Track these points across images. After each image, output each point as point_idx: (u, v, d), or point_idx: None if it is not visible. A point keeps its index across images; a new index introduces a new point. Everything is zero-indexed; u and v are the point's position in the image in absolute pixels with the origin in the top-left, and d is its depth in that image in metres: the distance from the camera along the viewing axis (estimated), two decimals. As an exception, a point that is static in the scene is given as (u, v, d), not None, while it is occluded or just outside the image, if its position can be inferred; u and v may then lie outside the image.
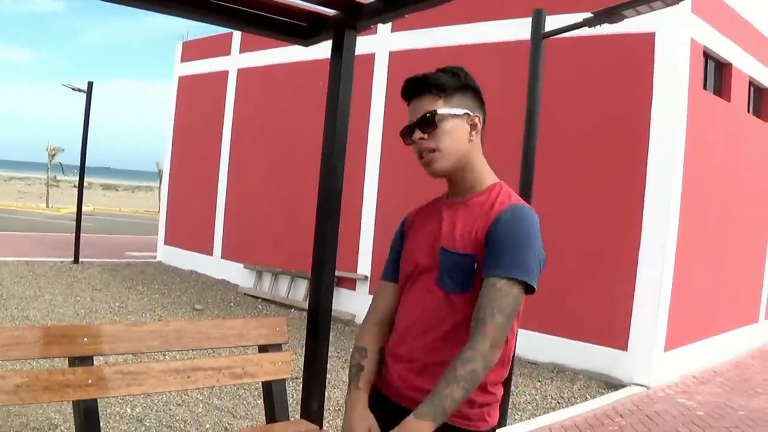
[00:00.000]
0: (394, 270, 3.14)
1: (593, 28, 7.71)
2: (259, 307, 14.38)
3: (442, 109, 2.95)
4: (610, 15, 7.22)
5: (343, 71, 4.88)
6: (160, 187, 49.68)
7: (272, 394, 4.81)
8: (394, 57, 13.53)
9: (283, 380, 4.86)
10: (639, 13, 7.16)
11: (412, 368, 2.93)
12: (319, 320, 4.91)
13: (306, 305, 13.90)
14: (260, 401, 7.76)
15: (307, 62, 14.68)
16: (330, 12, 4.95)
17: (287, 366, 4.86)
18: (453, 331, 2.86)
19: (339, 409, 7.84)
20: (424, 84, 2.99)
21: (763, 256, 14.18)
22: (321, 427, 4.80)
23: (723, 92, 11.82)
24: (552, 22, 7.98)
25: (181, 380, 4.32)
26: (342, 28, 4.85)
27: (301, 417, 4.88)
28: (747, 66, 12.41)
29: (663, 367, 10.23)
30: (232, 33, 17.45)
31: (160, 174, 47.33)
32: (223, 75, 17.81)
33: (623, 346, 10.24)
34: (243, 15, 4.92)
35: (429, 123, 2.94)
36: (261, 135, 16.44)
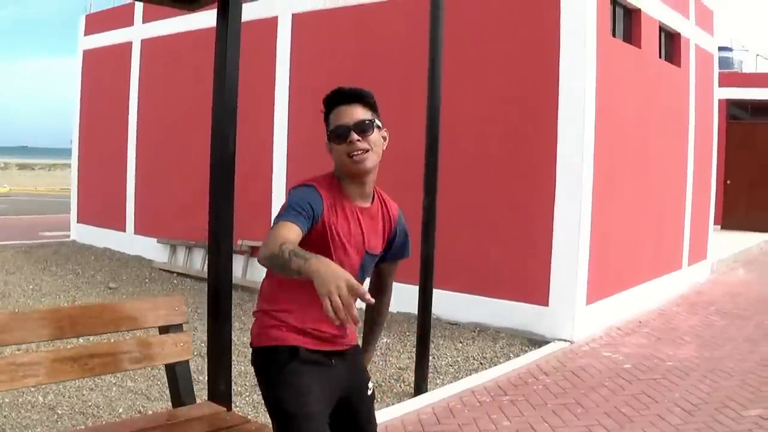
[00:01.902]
0: (305, 225, 3.29)
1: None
2: (175, 281, 14.13)
3: (376, 120, 3.52)
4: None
5: (230, 35, 4.75)
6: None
7: (176, 377, 4.59)
8: (298, 19, 13.26)
9: (186, 362, 4.63)
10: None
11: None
12: (219, 297, 4.75)
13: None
14: (175, 381, 7.57)
15: (210, 29, 14.32)
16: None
17: (189, 347, 4.63)
18: None
19: (252, 387, 7.59)
20: (359, 96, 3.52)
21: (682, 201, 14.22)
22: (229, 409, 4.63)
23: (633, 39, 11.73)
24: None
25: (79, 369, 4.08)
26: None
27: (208, 399, 4.70)
28: (657, 11, 12.34)
29: (586, 321, 10.15)
30: (134, 3, 17.04)
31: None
32: (127, 46, 17.35)
33: (544, 302, 10.13)
34: None
35: (367, 128, 3.46)
36: (167, 105, 16.06)
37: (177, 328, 4.62)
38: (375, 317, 4.03)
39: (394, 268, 3.99)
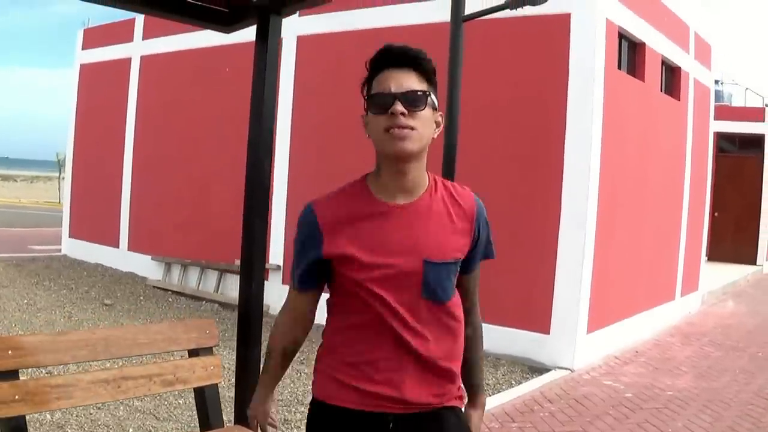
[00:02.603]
0: (314, 280, 2.90)
1: (512, 10, 7.65)
2: (170, 300, 14.07)
3: (431, 95, 2.78)
4: (533, -3, 7.15)
5: (269, 59, 4.67)
6: (60, 178, 48.66)
7: (205, 400, 4.58)
8: (303, 42, 13.29)
9: (216, 385, 4.63)
10: (562, -6, 7.10)
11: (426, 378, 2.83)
12: (250, 322, 4.71)
13: (218, 297, 13.73)
14: (182, 401, 7.57)
15: (211, 48, 14.38)
16: (253, -2, 4.73)
17: (219, 370, 4.64)
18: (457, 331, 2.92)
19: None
20: (416, 60, 2.77)
21: (677, 233, 14.33)
22: (256, 432, 4.62)
23: (637, 72, 11.86)
24: (469, 5, 7.88)
25: (112, 390, 4.08)
26: (266, 14, 4.63)
27: (235, 423, 4.69)
28: (659, 45, 12.48)
29: (586, 350, 10.21)
30: (135, 18, 17.06)
31: (60, 164, 46.31)
32: (126, 62, 17.34)
33: (546, 330, 10.19)
34: (162, 1, 4.68)
35: (418, 102, 2.71)
36: (165, 123, 16.05)
37: (207, 351, 4.63)
38: (467, 356, 3.00)
39: (475, 280, 3.03)
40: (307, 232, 2.82)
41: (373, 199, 2.79)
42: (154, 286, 15.12)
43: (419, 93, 2.70)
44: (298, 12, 13.33)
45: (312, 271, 2.84)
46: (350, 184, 2.88)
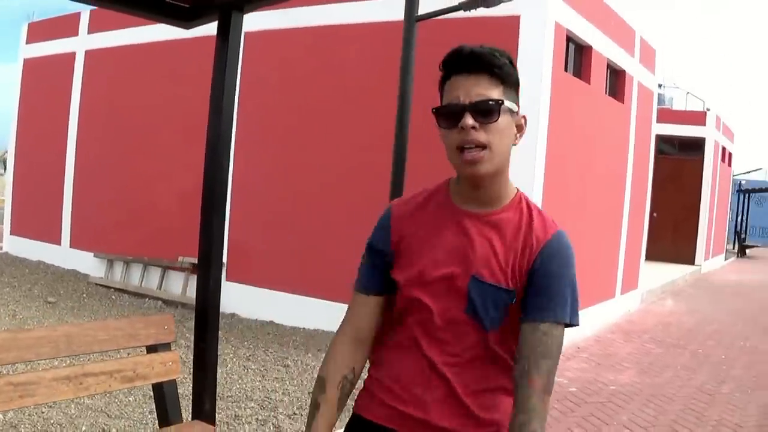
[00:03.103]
0: (379, 280, 2.67)
1: (465, 11, 7.72)
2: (113, 297, 13.93)
3: (507, 102, 2.48)
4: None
5: (230, 56, 4.67)
6: (1, 174, 48.02)
7: (164, 396, 4.59)
8: (251, 39, 13.27)
9: (174, 381, 4.64)
10: (516, -3, 7.18)
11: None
12: (207, 317, 4.72)
13: (161, 294, 13.68)
14: (132, 398, 7.55)
15: (157, 43, 14.32)
16: (214, -6, 4.72)
17: (177, 366, 4.64)
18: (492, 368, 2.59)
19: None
20: (488, 62, 2.46)
21: (618, 232, 14.54)
22: (214, 426, 4.64)
23: (583, 74, 12.03)
24: (423, 4, 7.93)
25: (74, 388, 4.06)
26: (228, 10, 4.63)
27: (192, 418, 4.70)
28: (606, 49, 12.66)
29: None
30: (80, 13, 16.88)
31: (2, 160, 45.70)
32: (71, 57, 17.13)
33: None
34: None
35: (490, 112, 2.44)
36: (109, 119, 15.90)
37: (165, 347, 4.63)
38: None
39: (527, 337, 2.47)
40: (379, 227, 2.72)
41: (447, 200, 2.64)
42: (96, 284, 14.96)
43: (491, 103, 2.44)
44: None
45: (378, 268, 2.67)
46: (435, 185, 2.73)
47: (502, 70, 2.46)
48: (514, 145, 2.58)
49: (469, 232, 2.55)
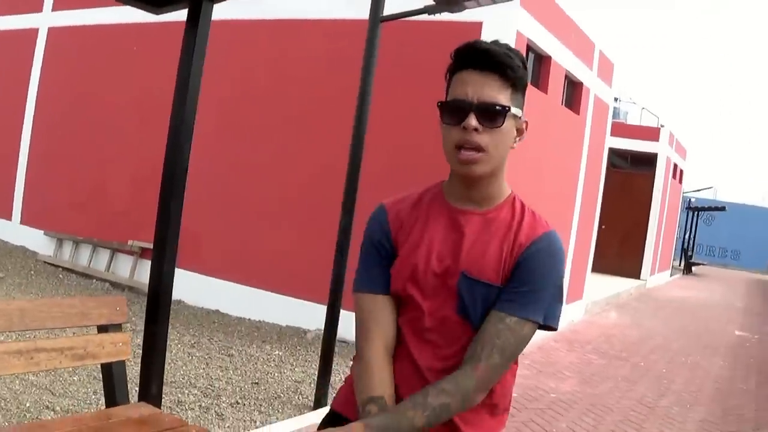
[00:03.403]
0: (385, 278, 2.61)
1: (429, 15, 7.80)
2: (60, 276, 13.89)
3: (514, 108, 2.48)
4: (452, 4, 7.29)
5: (198, 44, 4.74)
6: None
7: (113, 376, 4.63)
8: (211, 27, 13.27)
9: (123, 362, 4.68)
10: (480, 5, 7.29)
11: None
12: (159, 301, 4.79)
13: (108, 276, 13.65)
14: (76, 378, 7.57)
15: (122, 25, 14.28)
16: (186, -19, 4.77)
17: (127, 347, 4.69)
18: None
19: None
20: (501, 62, 2.43)
21: (567, 242, 14.71)
22: (160, 410, 4.69)
23: (541, 84, 12.17)
24: (388, 5, 8.00)
25: (25, 362, 4.10)
26: (199, -1, 4.70)
27: (139, 400, 4.75)
28: (564, 60, 12.81)
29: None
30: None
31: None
32: (33, 33, 17.00)
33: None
34: None
35: (496, 117, 2.43)
36: (68, 98, 15.80)
37: (116, 327, 4.67)
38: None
39: (490, 325, 2.45)
40: (375, 224, 2.67)
41: (440, 199, 2.63)
42: (45, 262, 14.89)
43: (498, 108, 2.42)
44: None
45: (386, 266, 2.61)
46: (426, 187, 2.72)
47: (515, 72, 2.44)
48: (512, 148, 2.56)
49: (462, 229, 2.54)
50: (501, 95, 2.43)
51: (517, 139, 2.56)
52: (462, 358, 2.46)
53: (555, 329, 2.57)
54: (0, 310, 4.09)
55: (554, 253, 2.55)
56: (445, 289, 2.50)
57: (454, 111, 2.46)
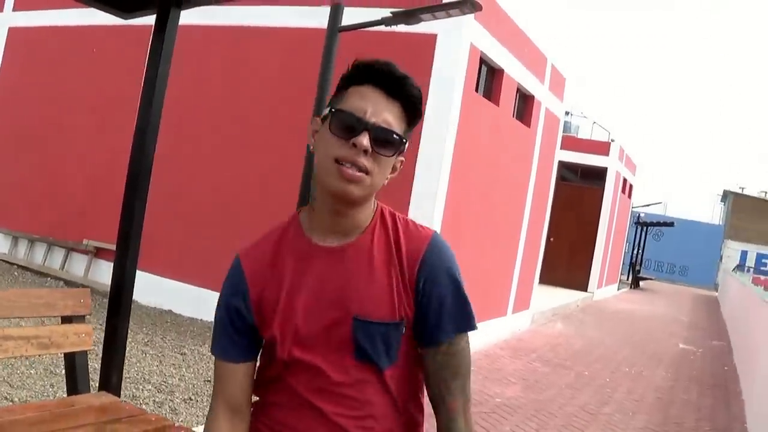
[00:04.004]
0: (246, 345, 2.34)
1: (386, 27, 8.01)
2: (15, 274, 13.96)
3: (406, 142, 2.28)
4: (409, 16, 7.52)
5: (164, 49, 4.91)
6: None
7: (75, 366, 4.83)
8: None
9: (86, 352, 4.88)
10: (435, 18, 7.51)
11: None
12: (122, 296, 4.96)
13: (63, 274, 13.73)
14: (33, 371, 7.71)
15: (82, 27, 14.38)
16: (155, -12, 4.95)
17: (90, 338, 4.88)
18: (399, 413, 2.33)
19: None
20: (409, 94, 2.25)
21: (515, 252, 14.99)
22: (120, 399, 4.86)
23: (493, 96, 12.44)
24: (346, 15, 8.21)
25: (-8, 349, 4.29)
26: (167, 5, 4.88)
27: (99, 389, 4.91)
28: (516, 73, 13.11)
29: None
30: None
31: None
32: (-8, 31, 17.08)
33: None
34: None
35: (389, 146, 2.21)
36: (27, 96, 15.85)
37: (80, 319, 4.87)
38: None
39: (444, 362, 2.29)
40: (231, 286, 2.37)
41: (301, 238, 2.33)
42: (0, 259, 14.97)
43: (395, 137, 2.21)
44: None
45: (242, 333, 2.33)
46: (282, 222, 2.41)
47: (417, 108, 2.26)
48: (384, 184, 2.29)
49: (338, 269, 2.27)
50: (399, 125, 2.22)
51: (391, 176, 2.31)
52: (377, 404, 2.27)
53: (476, 329, 2.34)
54: (-30, 300, 4.27)
55: (448, 258, 2.35)
56: (337, 341, 2.24)
57: (347, 124, 2.17)
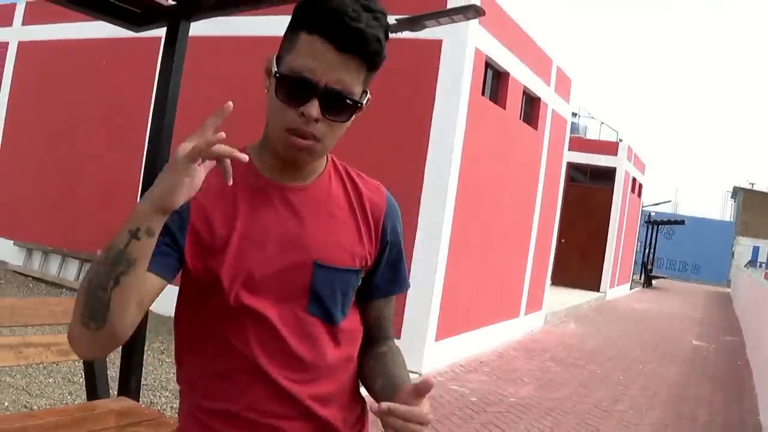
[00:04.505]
0: (160, 259, 1.94)
1: (391, 33, 8.09)
2: (30, 285, 14.06)
3: (363, 99, 2.00)
4: (413, 23, 7.58)
5: (175, 62, 4.99)
6: None
7: (94, 372, 4.92)
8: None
9: (104, 357, 4.98)
10: (440, 24, 7.60)
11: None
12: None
13: (78, 285, 13.79)
14: (51, 380, 7.84)
15: (91, 40, 14.50)
16: (165, 1, 5.03)
17: (108, 344, 4.97)
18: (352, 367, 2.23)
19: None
20: (367, 50, 1.91)
21: (526, 254, 15.06)
22: (139, 403, 4.96)
23: (499, 99, 12.52)
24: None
25: (15, 356, 4.37)
26: (177, 18, 4.97)
27: (118, 395, 5.01)
28: (522, 76, 13.19)
29: (433, 356, 10.78)
30: (15, 4, 16.97)
31: None
32: (3, 46, 17.18)
33: (397, 334, 10.65)
34: None
35: (342, 111, 1.96)
36: (37, 109, 16.00)
37: (98, 326, 4.95)
38: (394, 373, 2.19)
39: (390, 307, 2.30)
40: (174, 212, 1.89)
41: (258, 175, 2.08)
42: (15, 271, 15.08)
43: (348, 102, 1.94)
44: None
45: (168, 247, 1.98)
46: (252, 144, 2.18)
47: (379, 57, 1.96)
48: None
49: (298, 210, 2.07)
50: (355, 82, 1.94)
51: (349, 122, 2.05)
52: (331, 363, 2.11)
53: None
54: (-9, 308, 4.38)
55: (399, 214, 2.27)
56: (292, 289, 2.04)
57: (294, 90, 1.91)
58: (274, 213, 2.04)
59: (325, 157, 2.16)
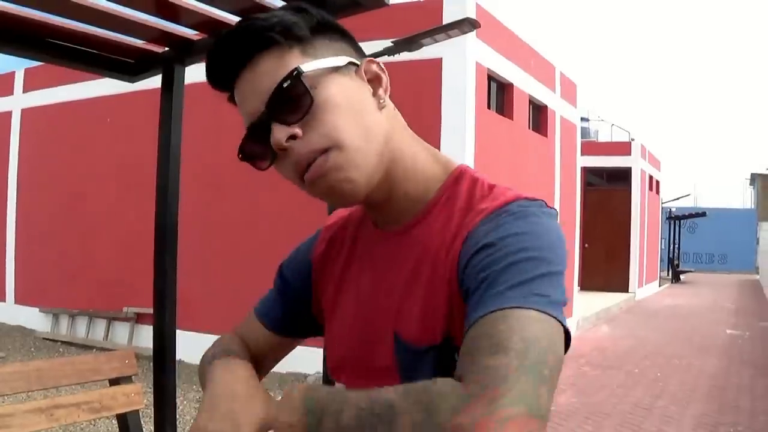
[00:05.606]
0: (276, 315, 1.81)
1: (389, 56, 8.05)
2: (60, 350, 14.08)
3: (308, 64, 1.42)
4: (410, 43, 7.54)
5: (174, 106, 4.97)
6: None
7: (128, 426, 4.90)
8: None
9: (137, 411, 4.96)
10: (436, 41, 7.55)
11: None
12: (165, 352, 5.01)
13: (107, 344, 13.85)
14: (93, 427, 7.78)
15: (94, 99, 14.58)
16: (158, 48, 5.02)
17: (140, 397, 4.96)
18: None
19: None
20: (254, 34, 1.43)
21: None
22: (176, 455, 4.93)
23: (506, 111, 12.52)
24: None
25: (46, 419, 4.37)
26: (171, 64, 4.96)
27: (155, 446, 4.99)
28: (526, 85, 13.19)
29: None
30: (14, 72, 17.09)
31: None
32: (7, 116, 17.33)
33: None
34: (68, 51, 4.90)
35: (294, 99, 1.41)
36: (49, 174, 16.09)
37: (127, 379, 4.95)
38: None
39: (468, 337, 1.26)
40: (294, 258, 1.84)
41: (367, 224, 1.68)
42: (43, 338, 15.08)
43: (284, 86, 1.40)
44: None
45: (286, 299, 1.82)
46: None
47: (277, 28, 1.43)
48: (382, 108, 1.54)
49: (385, 265, 1.57)
50: (281, 69, 1.42)
51: (380, 92, 1.54)
52: None
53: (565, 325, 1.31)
54: (18, 372, 4.38)
55: (523, 216, 1.47)
56: (374, 368, 1.55)
57: (252, 146, 1.50)
58: (364, 273, 1.62)
59: (438, 174, 1.59)
